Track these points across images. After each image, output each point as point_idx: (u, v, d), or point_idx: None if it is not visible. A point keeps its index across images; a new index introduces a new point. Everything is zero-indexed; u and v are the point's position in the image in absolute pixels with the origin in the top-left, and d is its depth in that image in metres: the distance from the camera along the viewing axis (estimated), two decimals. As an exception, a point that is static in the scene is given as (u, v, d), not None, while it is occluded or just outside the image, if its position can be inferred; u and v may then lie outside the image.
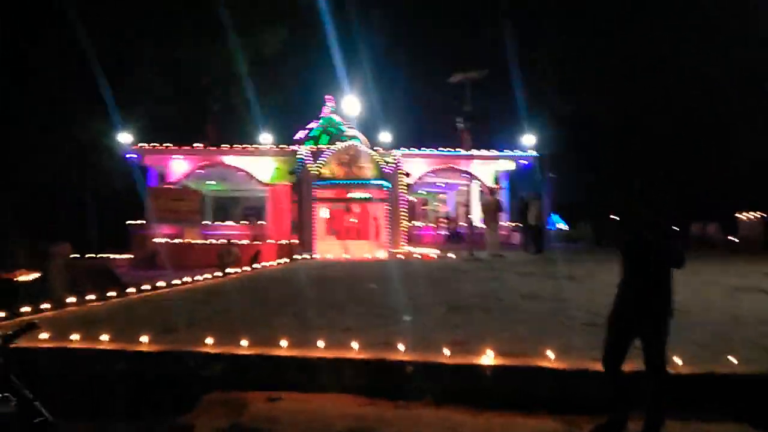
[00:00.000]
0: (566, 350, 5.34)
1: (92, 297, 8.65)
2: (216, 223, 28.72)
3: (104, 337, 5.83)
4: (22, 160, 25.62)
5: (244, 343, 5.58)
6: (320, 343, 5.46)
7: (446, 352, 5.20)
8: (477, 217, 23.94)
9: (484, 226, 17.39)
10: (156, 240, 22.12)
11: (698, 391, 4.73)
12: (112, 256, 25.69)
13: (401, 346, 5.32)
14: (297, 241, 20.73)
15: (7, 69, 24.62)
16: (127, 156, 26.31)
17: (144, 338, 5.75)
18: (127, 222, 25.17)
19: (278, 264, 15.13)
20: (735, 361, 4.97)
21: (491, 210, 16.79)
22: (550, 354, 5.08)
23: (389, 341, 5.63)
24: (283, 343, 5.49)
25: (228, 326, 6.44)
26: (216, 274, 12.30)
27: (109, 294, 8.96)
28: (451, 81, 15.51)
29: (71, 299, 8.39)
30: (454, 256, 15.99)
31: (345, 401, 5.00)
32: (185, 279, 10.89)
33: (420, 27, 32.78)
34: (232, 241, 18.14)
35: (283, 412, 4.74)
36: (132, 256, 24.45)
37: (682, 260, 4.05)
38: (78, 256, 24.74)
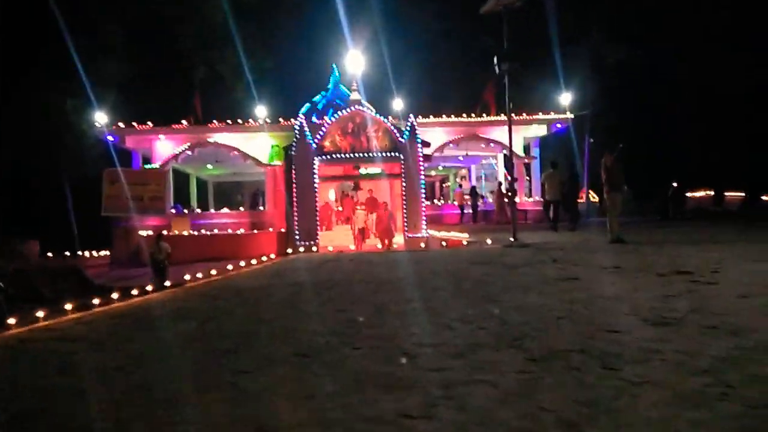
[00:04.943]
0: None
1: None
2: (208, 211, 25.91)
3: None
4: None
5: None
6: None
7: None
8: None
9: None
10: (140, 234, 19.13)
11: None
12: (91, 253, 22.82)
13: None
14: (291, 230, 17.32)
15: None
16: (106, 138, 23.58)
17: None
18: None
19: (262, 262, 11.67)
20: None
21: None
22: None
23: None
24: None
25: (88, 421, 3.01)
26: (167, 283, 8.93)
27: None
28: (483, 11, 11.77)
29: None
30: (490, 242, 12.42)
31: None
32: (114, 296, 7.50)
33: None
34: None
35: None
36: (111, 253, 21.76)
37: None
38: (50, 255, 21.79)
